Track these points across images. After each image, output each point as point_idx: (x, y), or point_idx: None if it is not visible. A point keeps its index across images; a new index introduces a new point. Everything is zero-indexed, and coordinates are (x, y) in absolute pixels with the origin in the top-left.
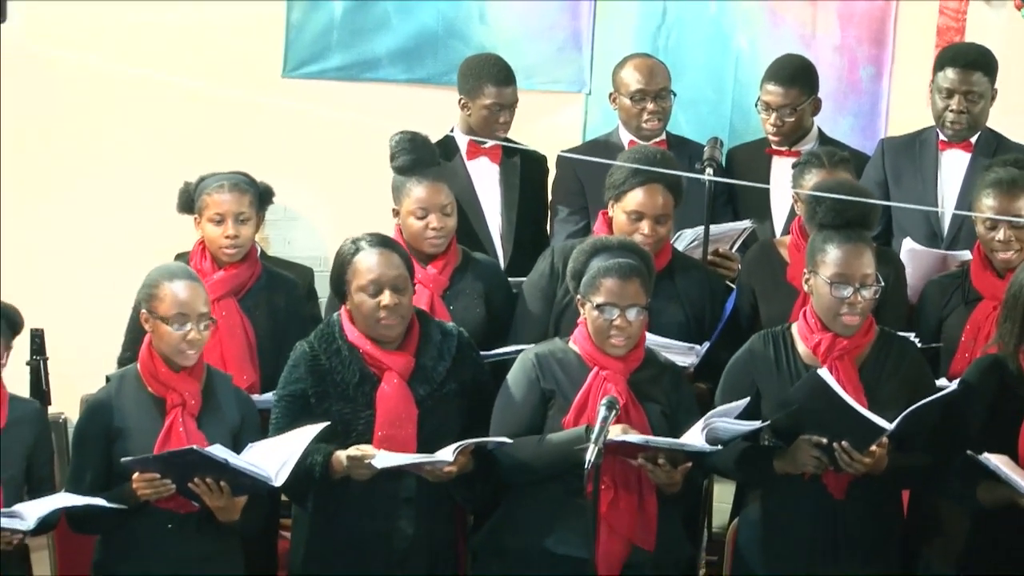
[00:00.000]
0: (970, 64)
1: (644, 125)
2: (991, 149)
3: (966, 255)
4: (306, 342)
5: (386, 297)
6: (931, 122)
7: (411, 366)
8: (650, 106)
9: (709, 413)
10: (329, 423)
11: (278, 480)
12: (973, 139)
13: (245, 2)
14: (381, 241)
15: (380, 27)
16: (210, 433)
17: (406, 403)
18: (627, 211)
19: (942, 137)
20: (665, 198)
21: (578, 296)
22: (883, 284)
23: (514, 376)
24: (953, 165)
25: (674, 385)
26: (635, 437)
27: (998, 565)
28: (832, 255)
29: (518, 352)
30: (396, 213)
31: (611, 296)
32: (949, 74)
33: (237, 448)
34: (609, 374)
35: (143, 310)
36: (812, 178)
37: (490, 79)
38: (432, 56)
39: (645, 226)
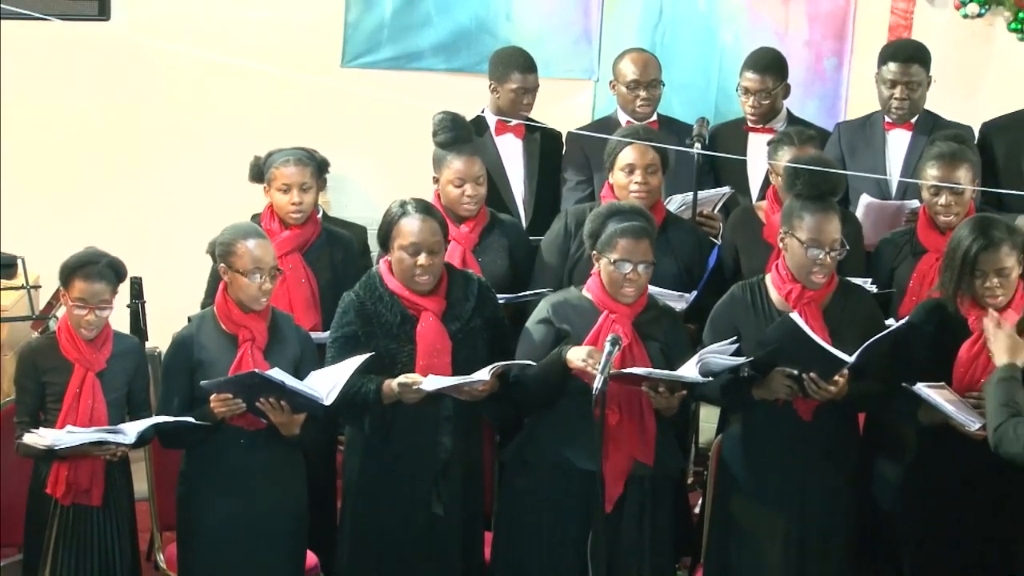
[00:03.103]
0: (909, 58)
1: (637, 110)
2: (928, 128)
3: (915, 203)
4: (352, 292)
5: (422, 258)
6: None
7: (443, 306)
8: (643, 94)
9: (703, 350)
10: (373, 353)
11: (328, 400)
12: (913, 120)
13: (311, 4)
14: (424, 208)
15: (423, 25)
16: (275, 364)
17: (441, 337)
18: (621, 167)
19: (887, 120)
20: (652, 152)
21: (594, 252)
22: (847, 247)
23: (534, 318)
24: (897, 143)
25: (672, 326)
26: (638, 370)
27: (939, 473)
28: (808, 222)
29: (535, 295)
30: (436, 181)
31: (625, 253)
32: (891, 67)
33: (299, 375)
34: (617, 317)
35: (222, 264)
36: (784, 153)
37: (516, 67)
38: (467, 49)
39: (638, 175)
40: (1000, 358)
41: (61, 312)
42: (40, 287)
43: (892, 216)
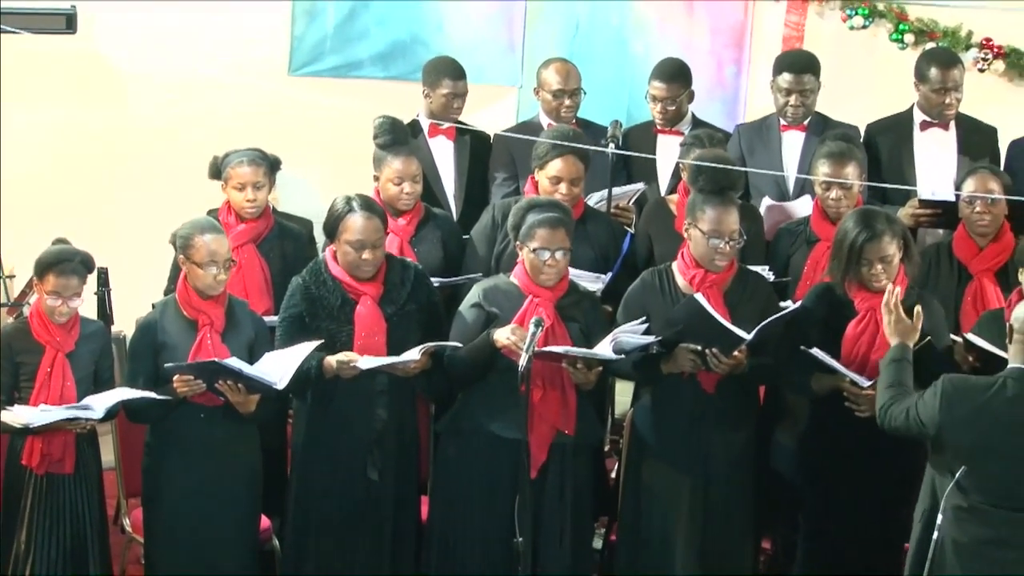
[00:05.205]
0: (802, 69)
1: (562, 116)
2: (820, 129)
3: (807, 210)
4: (299, 277)
5: (366, 254)
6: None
7: (381, 291)
8: (567, 102)
9: (617, 330)
10: (322, 341)
11: (281, 385)
12: (806, 122)
13: (261, 18)
14: (367, 205)
15: (363, 37)
16: (231, 345)
17: (377, 319)
18: (549, 176)
19: (783, 122)
20: (577, 165)
21: (517, 242)
22: (745, 237)
23: (467, 303)
24: (792, 143)
25: (591, 308)
26: (558, 348)
27: (830, 439)
28: (709, 214)
29: (466, 279)
30: (376, 179)
31: (544, 242)
32: (786, 77)
33: (253, 356)
34: (541, 300)
35: (181, 256)
36: (696, 154)
37: (447, 75)
38: (402, 58)
39: (564, 187)
40: (892, 339)
41: (34, 299)
42: (15, 276)
43: (787, 216)
